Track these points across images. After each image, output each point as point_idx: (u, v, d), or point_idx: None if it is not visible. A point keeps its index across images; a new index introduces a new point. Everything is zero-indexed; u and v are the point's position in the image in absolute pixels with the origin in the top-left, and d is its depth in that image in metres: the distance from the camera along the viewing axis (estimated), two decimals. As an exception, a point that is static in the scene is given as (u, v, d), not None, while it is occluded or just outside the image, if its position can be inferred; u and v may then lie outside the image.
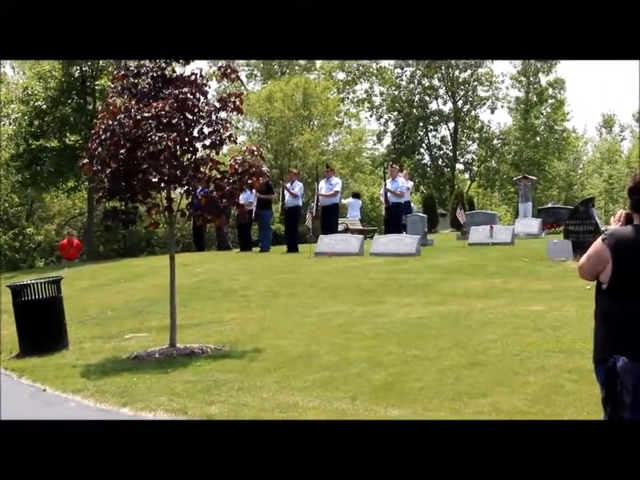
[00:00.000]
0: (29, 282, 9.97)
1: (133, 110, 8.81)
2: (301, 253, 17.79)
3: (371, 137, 50.65)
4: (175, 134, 8.76)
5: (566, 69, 79.63)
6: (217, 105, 9.31)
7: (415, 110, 50.46)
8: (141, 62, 9.35)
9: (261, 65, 49.08)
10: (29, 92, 23.65)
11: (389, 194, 19.70)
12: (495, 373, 7.13)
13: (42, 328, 9.68)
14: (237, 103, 9.38)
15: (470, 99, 50.96)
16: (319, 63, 50.68)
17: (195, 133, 9.18)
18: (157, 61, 9.11)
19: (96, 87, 23.66)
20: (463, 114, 51.04)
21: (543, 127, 50.74)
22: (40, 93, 23.40)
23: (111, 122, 8.86)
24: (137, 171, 8.89)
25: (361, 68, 52.03)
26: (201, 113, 9.15)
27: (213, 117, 9.24)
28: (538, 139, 50.01)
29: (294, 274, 14.06)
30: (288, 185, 19.14)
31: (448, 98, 51.13)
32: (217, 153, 9.52)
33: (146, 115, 8.73)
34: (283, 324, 10.00)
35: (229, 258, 17.90)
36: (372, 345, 8.54)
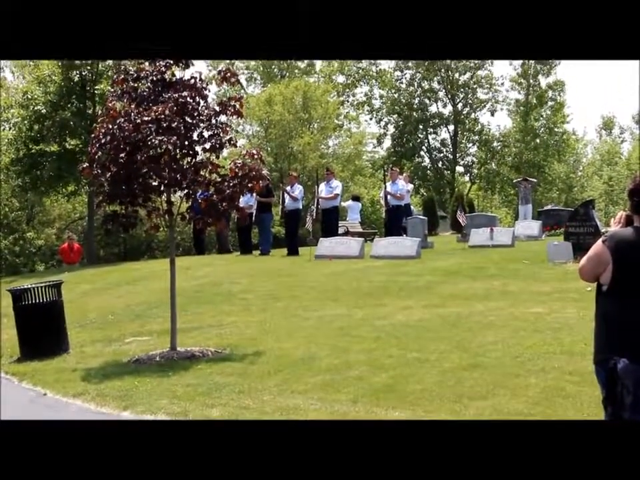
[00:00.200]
0: (29, 286, 9.97)
1: (132, 114, 8.82)
2: (301, 256, 17.79)
3: (371, 140, 50.71)
4: (175, 137, 8.76)
5: (565, 70, 79.79)
6: (217, 108, 9.31)
7: (414, 113, 50.49)
8: (141, 66, 9.37)
9: (261, 68, 49.12)
10: (29, 96, 23.66)
11: (389, 197, 19.70)
12: (496, 375, 7.13)
13: (42, 332, 9.68)
14: (237, 106, 9.38)
15: (470, 101, 51.00)
16: (318, 66, 50.80)
17: (195, 137, 9.19)
18: (157, 64, 9.12)
19: (96, 91, 23.66)
20: (462, 116, 51.08)
21: (542, 129, 50.75)
22: (40, 98, 23.40)
23: (110, 126, 8.86)
24: (137, 174, 8.89)
25: (360, 71, 52.11)
26: (200, 117, 9.16)
27: (213, 121, 9.24)
28: (538, 141, 50.02)
29: (294, 277, 14.07)
30: (288, 188, 19.15)
31: (448, 100, 51.18)
32: (217, 157, 9.52)
33: (146, 118, 8.73)
34: (284, 327, 10.00)
35: (229, 261, 17.91)
36: (372, 347, 8.54)
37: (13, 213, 30.51)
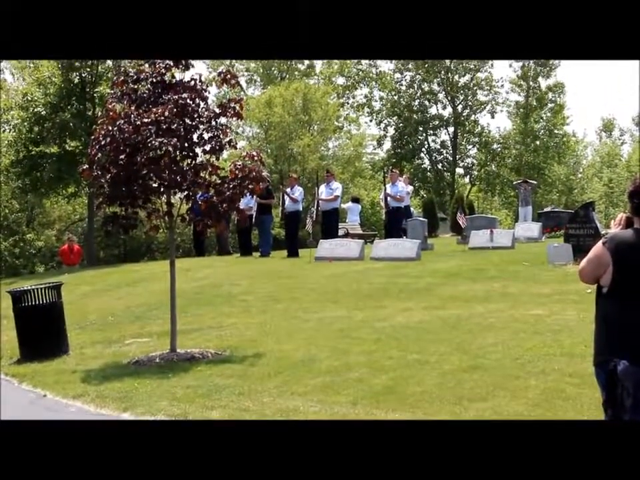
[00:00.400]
0: (29, 288, 9.96)
1: (132, 115, 8.81)
2: (301, 257, 17.79)
3: (371, 142, 50.68)
4: (175, 139, 8.76)
5: (565, 72, 79.85)
6: (217, 110, 9.31)
7: (414, 114, 50.45)
8: (141, 68, 9.37)
9: (261, 70, 49.15)
10: (29, 98, 23.66)
11: (389, 198, 19.72)
12: (496, 377, 7.13)
13: (42, 333, 9.67)
14: (237, 108, 9.38)
15: (470, 103, 50.97)
16: (318, 68, 50.82)
17: (195, 139, 9.19)
18: (157, 66, 9.12)
19: (95, 93, 23.67)
20: (462, 118, 51.04)
21: (542, 131, 50.72)
22: (40, 99, 23.40)
23: (110, 128, 8.86)
24: (137, 176, 8.89)
25: (360, 73, 52.11)
26: (200, 119, 9.16)
27: (213, 123, 9.24)
28: (538, 143, 49.98)
29: (294, 279, 14.07)
30: (288, 190, 19.15)
31: (448, 102, 51.14)
32: (217, 158, 9.52)
33: (146, 120, 8.73)
34: (284, 329, 9.99)
35: (229, 263, 17.90)
36: (372, 349, 8.53)
37: (13, 215, 30.52)
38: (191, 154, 9.15)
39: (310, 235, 19.47)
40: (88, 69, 23.60)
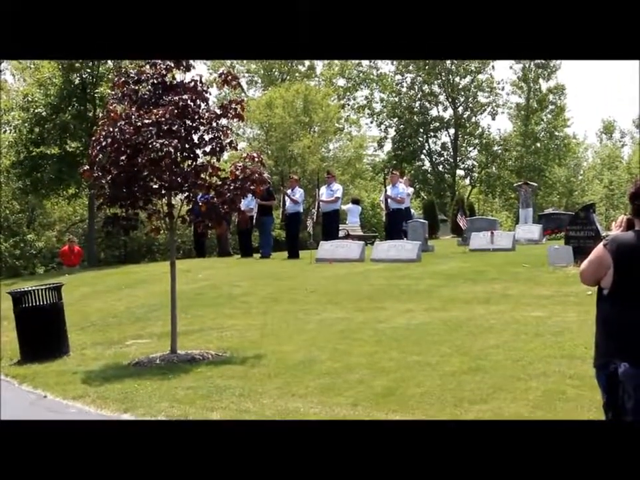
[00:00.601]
0: (29, 289, 9.96)
1: (133, 117, 8.81)
2: (301, 259, 17.79)
3: (372, 144, 50.66)
4: (176, 140, 8.76)
5: (566, 74, 79.83)
6: (218, 111, 9.31)
7: (415, 116, 50.45)
8: (142, 69, 9.37)
9: (262, 71, 49.16)
10: (29, 99, 23.64)
11: (389, 200, 19.72)
12: (496, 378, 7.12)
13: (43, 334, 9.67)
14: (238, 109, 9.38)
15: (470, 105, 50.97)
16: (319, 69, 50.84)
17: (196, 140, 9.18)
18: (158, 67, 9.12)
19: (96, 94, 23.64)
20: (463, 120, 51.04)
21: (543, 133, 50.75)
22: (40, 100, 23.39)
23: (111, 128, 8.86)
24: (137, 177, 8.89)
25: (361, 75, 52.13)
26: (201, 120, 9.15)
27: (214, 124, 9.24)
28: (538, 145, 50.00)
29: (295, 280, 14.06)
30: (289, 191, 19.15)
31: (448, 104, 51.13)
32: (218, 160, 9.51)
33: (146, 121, 8.73)
34: (284, 330, 9.99)
35: (229, 264, 17.91)
36: (373, 350, 8.53)
37: (14, 216, 30.50)
38: (191, 155, 9.15)
39: (310, 237, 19.48)
40: (88, 70, 23.58)
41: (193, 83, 9.19)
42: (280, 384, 7.57)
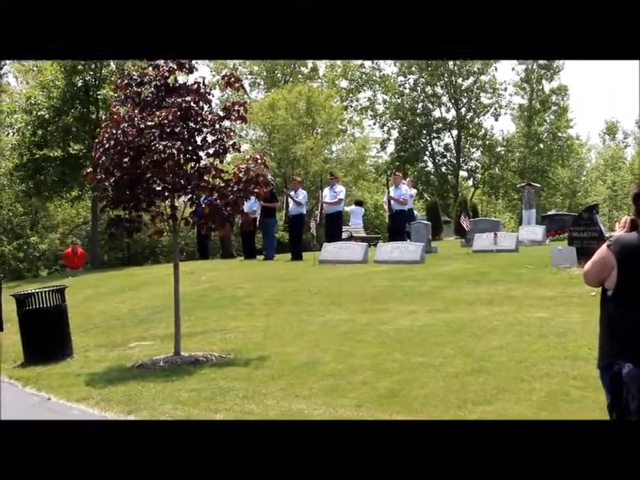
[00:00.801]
0: (33, 291, 9.97)
1: (136, 119, 8.82)
2: (305, 260, 17.80)
3: (375, 145, 50.65)
4: (179, 142, 8.77)
5: (569, 75, 79.80)
6: (221, 113, 9.31)
7: (418, 117, 50.47)
8: (144, 71, 9.37)
9: (264, 73, 49.19)
10: (32, 102, 23.65)
11: (392, 201, 19.71)
12: (500, 379, 7.12)
13: (46, 337, 9.69)
14: (241, 111, 9.38)
15: (473, 106, 50.94)
16: (322, 71, 50.85)
17: (199, 142, 9.18)
18: (160, 69, 9.12)
19: (99, 96, 23.64)
20: (466, 121, 51.03)
21: (546, 133, 50.69)
22: (43, 103, 23.40)
23: (114, 131, 8.87)
24: (140, 179, 8.91)
25: (364, 76, 52.15)
26: (204, 122, 9.16)
27: (217, 126, 9.24)
28: (541, 145, 49.97)
29: (298, 282, 14.06)
30: (292, 193, 19.16)
31: (451, 105, 51.13)
32: (221, 162, 9.52)
33: (149, 123, 8.74)
34: (287, 332, 9.99)
35: (233, 266, 17.92)
36: (376, 352, 8.52)
37: (17, 218, 30.54)
38: (194, 157, 9.16)
39: (314, 238, 19.49)
40: (91, 73, 23.60)
41: (195, 85, 9.20)
42: (284, 385, 7.57)
